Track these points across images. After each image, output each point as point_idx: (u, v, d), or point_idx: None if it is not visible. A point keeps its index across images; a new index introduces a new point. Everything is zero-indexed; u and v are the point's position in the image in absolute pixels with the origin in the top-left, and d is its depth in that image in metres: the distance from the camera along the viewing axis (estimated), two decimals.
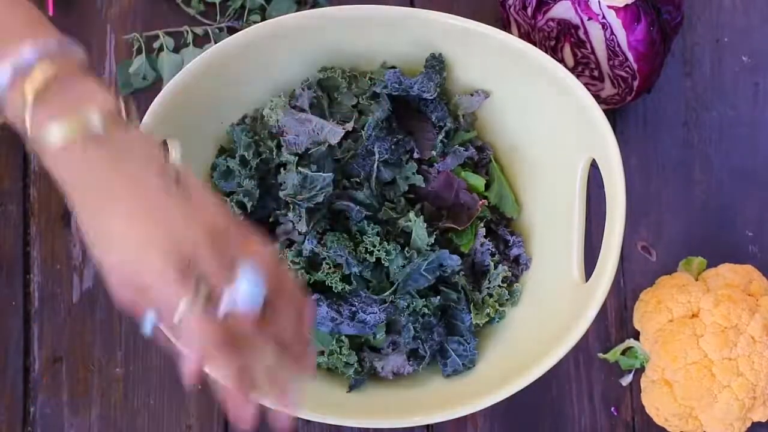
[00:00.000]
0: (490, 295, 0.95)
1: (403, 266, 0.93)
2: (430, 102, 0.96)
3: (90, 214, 0.67)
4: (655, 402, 0.97)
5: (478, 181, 0.97)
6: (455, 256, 0.93)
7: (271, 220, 0.96)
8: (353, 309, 0.94)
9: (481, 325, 0.95)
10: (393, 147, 0.95)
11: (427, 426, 1.00)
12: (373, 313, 0.93)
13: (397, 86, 0.95)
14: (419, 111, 0.97)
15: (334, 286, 0.92)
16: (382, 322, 0.93)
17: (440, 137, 0.96)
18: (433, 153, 0.96)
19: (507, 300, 0.95)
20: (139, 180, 0.66)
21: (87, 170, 0.66)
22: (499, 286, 0.95)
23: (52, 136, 0.65)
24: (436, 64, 0.95)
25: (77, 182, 0.66)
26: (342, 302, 0.93)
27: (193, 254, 0.64)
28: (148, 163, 0.67)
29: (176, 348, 0.68)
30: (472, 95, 0.97)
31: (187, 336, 0.65)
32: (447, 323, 0.95)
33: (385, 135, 0.95)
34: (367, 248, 0.92)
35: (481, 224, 0.96)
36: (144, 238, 0.65)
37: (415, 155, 0.96)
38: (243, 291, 0.65)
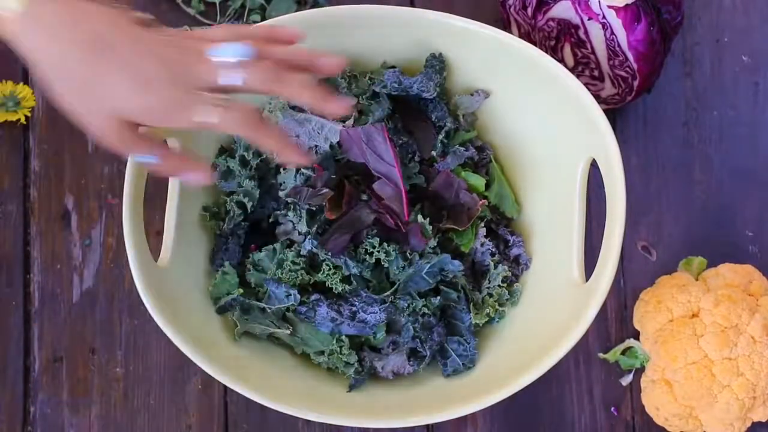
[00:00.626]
0: (490, 295, 0.95)
1: (404, 268, 0.93)
2: (430, 102, 0.97)
3: (76, 71, 0.70)
4: (655, 402, 0.97)
5: (478, 181, 0.97)
6: (456, 262, 0.93)
7: (271, 220, 0.96)
8: (353, 309, 0.94)
9: (480, 325, 0.95)
10: (396, 148, 0.95)
11: (428, 426, 1.00)
12: (374, 312, 0.93)
13: (396, 86, 0.95)
14: (419, 111, 0.98)
15: (334, 287, 0.92)
16: (383, 321, 0.93)
17: (440, 137, 0.96)
18: (434, 153, 0.96)
19: (507, 300, 0.95)
20: (108, 25, 0.71)
21: (47, 32, 0.70)
22: (499, 286, 0.95)
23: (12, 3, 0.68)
24: (436, 63, 0.95)
25: (38, 43, 0.70)
26: (342, 302, 0.94)
27: (188, 73, 0.72)
28: (110, 13, 0.71)
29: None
30: (472, 95, 0.97)
31: (231, 122, 0.73)
32: (447, 323, 0.95)
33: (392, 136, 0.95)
34: (366, 249, 0.93)
35: (482, 224, 0.96)
36: (140, 83, 0.71)
37: (417, 158, 0.96)
38: (230, 52, 0.74)
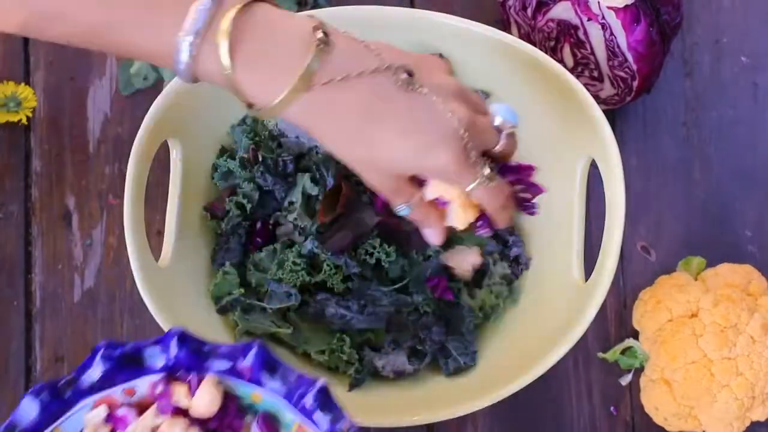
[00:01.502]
0: (490, 292, 0.95)
1: (403, 267, 0.93)
2: None
3: (350, 139, 0.71)
4: (654, 401, 0.97)
5: None
6: None
7: (272, 221, 0.96)
8: (362, 302, 0.94)
9: (480, 323, 0.95)
10: None
11: (428, 425, 1.00)
12: (383, 304, 0.93)
13: None
14: None
15: (335, 286, 0.93)
16: (392, 312, 0.94)
17: None
18: None
19: (506, 297, 0.95)
20: (379, 92, 0.70)
21: (322, 111, 0.70)
22: (498, 284, 0.95)
23: (277, 109, 0.68)
24: None
25: (319, 123, 0.71)
26: (350, 297, 0.94)
27: (464, 139, 0.72)
28: (376, 74, 0.71)
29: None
30: None
31: (485, 200, 0.76)
32: (447, 322, 0.95)
33: None
34: (366, 250, 0.93)
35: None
36: (423, 143, 0.71)
37: None
38: (504, 115, 0.76)
